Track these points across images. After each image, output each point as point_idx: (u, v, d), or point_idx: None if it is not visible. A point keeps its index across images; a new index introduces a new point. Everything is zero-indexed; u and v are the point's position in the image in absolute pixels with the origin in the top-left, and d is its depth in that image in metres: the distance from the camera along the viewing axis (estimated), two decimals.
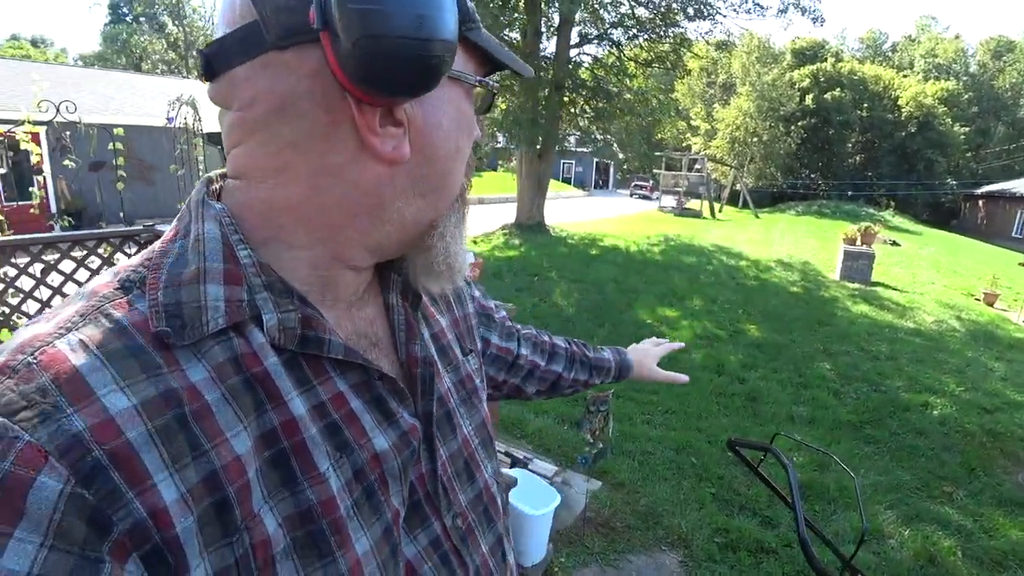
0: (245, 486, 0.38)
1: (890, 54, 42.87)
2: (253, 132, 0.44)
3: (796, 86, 26.32)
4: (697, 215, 19.79)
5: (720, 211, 20.99)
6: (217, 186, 0.48)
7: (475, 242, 10.41)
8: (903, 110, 26.66)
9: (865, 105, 26.28)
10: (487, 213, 15.55)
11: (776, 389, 4.89)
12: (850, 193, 25.02)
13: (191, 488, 0.36)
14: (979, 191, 27.29)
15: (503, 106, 10.93)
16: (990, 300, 9.67)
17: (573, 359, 0.95)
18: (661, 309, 7.03)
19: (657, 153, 23.69)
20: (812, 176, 27.18)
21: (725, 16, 11.59)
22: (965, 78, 37.05)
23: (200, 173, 5.16)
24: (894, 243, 14.41)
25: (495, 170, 30.66)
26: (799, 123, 25.41)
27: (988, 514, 3.35)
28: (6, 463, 0.31)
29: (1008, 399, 5.15)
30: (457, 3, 0.42)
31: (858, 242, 10.33)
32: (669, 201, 22.16)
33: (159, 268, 0.42)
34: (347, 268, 0.49)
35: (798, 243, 13.36)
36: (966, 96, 32.91)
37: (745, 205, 22.96)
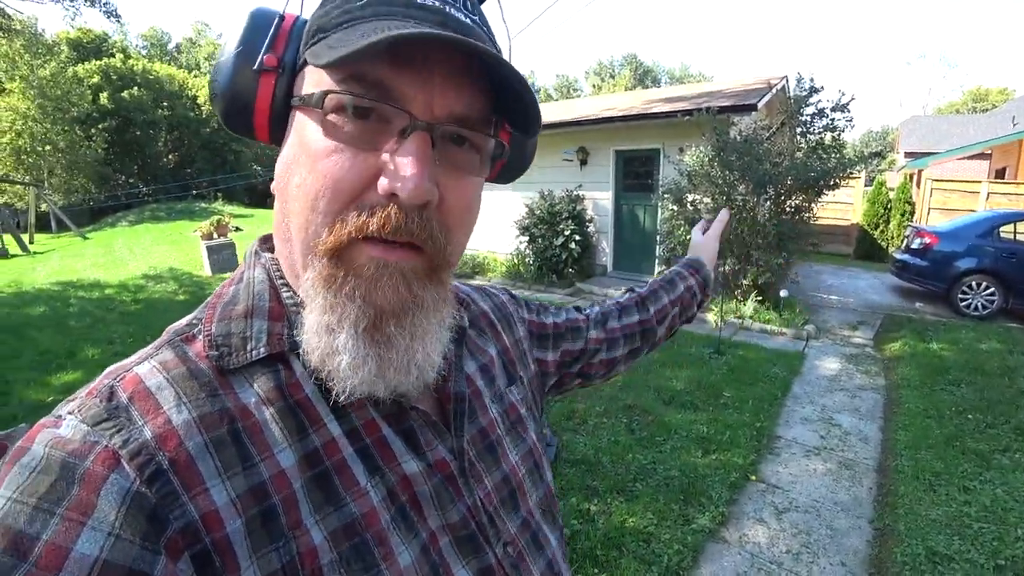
0: (290, 496, 0.42)
1: (176, 54, 43.80)
2: None
3: (85, 83, 23.02)
4: (2, 254, 15.21)
5: (32, 242, 17.01)
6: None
7: None
8: (203, 108, 28.00)
9: (166, 104, 26.24)
10: None
11: None
12: (182, 194, 25.20)
13: (240, 495, 0.40)
14: None
15: None
16: None
17: (661, 299, 0.90)
18: (54, 379, 5.05)
19: None
20: (131, 182, 25.63)
21: None
22: None
23: None
24: (237, 229, 15.82)
25: None
26: (100, 125, 22.84)
27: None
28: (87, 462, 0.36)
29: None
30: (269, 39, 0.46)
31: (215, 236, 10.82)
32: None
33: (215, 307, 0.48)
34: None
35: (150, 253, 12.71)
36: None
37: (63, 228, 19.53)
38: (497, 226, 9.68)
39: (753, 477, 3.17)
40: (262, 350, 0.45)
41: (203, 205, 22.57)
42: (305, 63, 0.44)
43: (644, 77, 49.64)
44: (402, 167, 0.40)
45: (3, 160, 20.07)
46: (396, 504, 0.46)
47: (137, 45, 42.81)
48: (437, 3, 0.43)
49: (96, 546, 0.34)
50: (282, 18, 0.47)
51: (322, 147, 0.41)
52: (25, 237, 16.35)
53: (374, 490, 0.46)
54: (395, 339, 0.44)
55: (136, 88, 24.73)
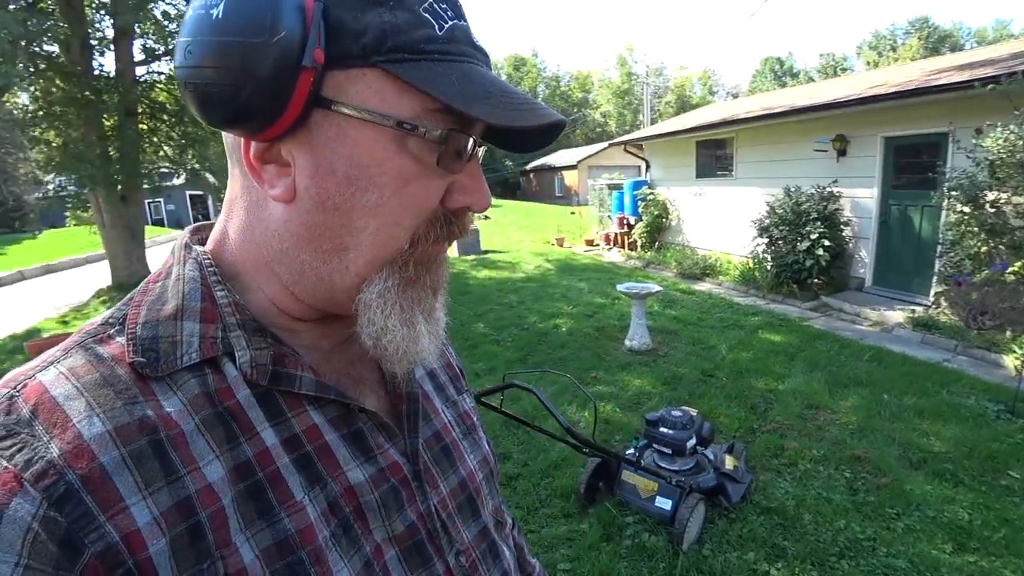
0: (219, 512, 0.39)
1: None
2: (228, 173, 0.48)
3: None
4: None
5: None
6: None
7: (64, 321, 8.05)
8: None
9: None
10: (66, 281, 12.21)
11: None
12: None
13: (164, 511, 0.37)
14: (528, 167, 35.80)
15: (56, 139, 8.62)
16: (560, 242, 12.85)
17: None
18: None
19: None
20: None
21: None
22: None
23: None
24: (486, 217, 17.45)
25: (60, 227, 24.20)
26: None
27: (619, 378, 4.68)
28: None
29: (597, 304, 7.10)
30: (328, 25, 0.38)
31: None
32: None
33: (140, 305, 0.45)
34: (294, 319, 0.48)
35: None
36: None
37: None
38: (733, 225, 8.84)
39: None
40: (194, 355, 0.42)
41: None
42: (352, 65, 0.39)
43: (939, 44, 37.96)
44: (474, 184, 0.46)
45: None
46: (339, 516, 0.45)
47: None
48: (478, 42, 0.44)
49: None
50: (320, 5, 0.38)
51: (412, 171, 0.42)
52: None
53: (312, 503, 0.43)
54: (436, 312, 0.50)
55: None
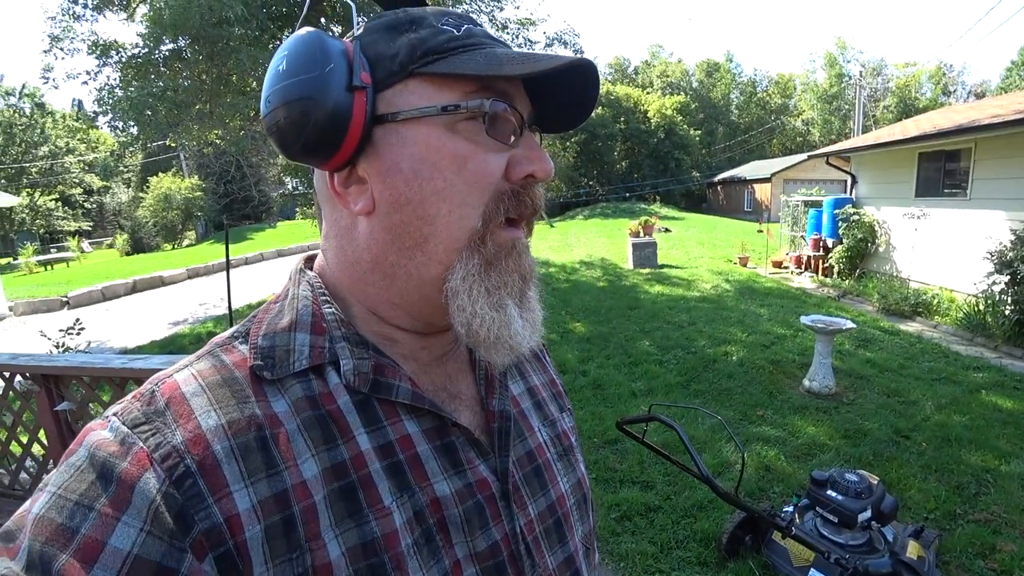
0: (311, 507, 0.42)
1: (634, 76, 51.49)
2: (321, 207, 0.55)
3: None
4: None
5: None
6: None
7: None
8: (652, 121, 32.38)
9: (623, 119, 31.35)
10: (292, 263, 14.59)
11: (613, 373, 5.40)
12: (626, 195, 29.46)
13: (262, 500, 0.41)
14: (716, 179, 34.05)
15: None
16: (743, 262, 11.92)
17: None
18: None
19: None
20: (591, 184, 31.06)
21: None
22: (691, 92, 46.49)
23: None
24: (666, 230, 16.89)
25: (292, 219, 29.09)
26: (572, 139, 28.53)
27: (790, 422, 4.21)
28: (124, 462, 0.39)
29: (777, 334, 6.45)
30: (367, 57, 0.46)
31: (641, 234, 11.91)
32: None
33: (261, 321, 0.51)
34: (395, 327, 0.52)
35: (592, 243, 14.86)
36: (693, 106, 41.33)
37: (539, 217, 25.22)
38: (961, 255, 7.46)
39: None
40: (303, 362, 0.47)
41: (643, 206, 25.15)
42: (395, 81, 0.46)
43: None
44: (533, 153, 0.49)
45: None
46: (423, 526, 0.46)
47: (605, 73, 51.06)
48: (495, 36, 0.50)
49: (129, 541, 0.37)
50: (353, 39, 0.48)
51: (468, 151, 0.46)
52: None
53: (399, 510, 0.46)
54: (530, 301, 0.52)
55: (601, 108, 29.96)
